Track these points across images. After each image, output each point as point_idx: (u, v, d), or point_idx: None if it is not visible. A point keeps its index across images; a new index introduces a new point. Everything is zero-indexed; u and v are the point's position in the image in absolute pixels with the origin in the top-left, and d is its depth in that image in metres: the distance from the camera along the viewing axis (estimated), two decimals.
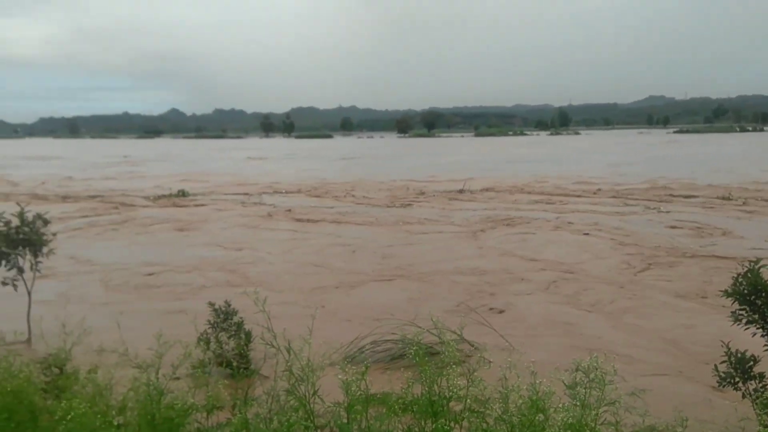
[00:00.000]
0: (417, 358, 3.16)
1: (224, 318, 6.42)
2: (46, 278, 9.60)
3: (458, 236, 15.20)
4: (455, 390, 3.10)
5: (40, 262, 8.36)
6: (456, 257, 12.55)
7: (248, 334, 6.20)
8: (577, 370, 2.96)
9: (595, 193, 24.19)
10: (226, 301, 6.53)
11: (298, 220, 18.41)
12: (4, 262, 8.09)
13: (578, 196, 23.27)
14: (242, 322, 6.39)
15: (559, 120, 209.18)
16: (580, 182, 28.54)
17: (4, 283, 8.22)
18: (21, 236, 7.95)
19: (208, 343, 5.97)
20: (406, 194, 25.30)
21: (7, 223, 8.02)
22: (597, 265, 11.56)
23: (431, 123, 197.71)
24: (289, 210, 20.69)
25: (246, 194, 26.11)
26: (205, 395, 3.42)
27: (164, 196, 25.54)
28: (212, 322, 6.42)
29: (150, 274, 11.52)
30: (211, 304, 6.53)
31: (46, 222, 8.27)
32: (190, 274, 11.61)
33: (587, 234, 14.94)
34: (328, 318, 8.45)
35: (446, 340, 3.36)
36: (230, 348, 6.21)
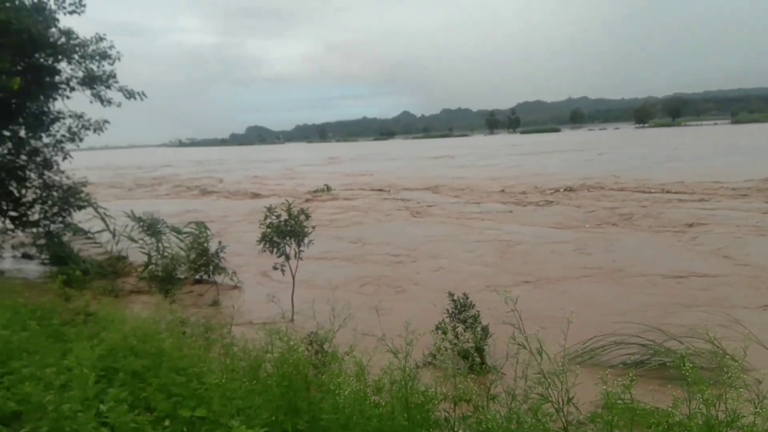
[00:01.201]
0: (688, 373, 2.73)
1: (461, 309, 6.54)
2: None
3: None
4: (736, 415, 2.61)
5: (302, 250, 9.63)
6: None
7: (485, 329, 6.21)
8: None
9: None
10: (464, 294, 6.64)
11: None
12: (275, 250, 9.55)
13: None
14: (479, 315, 6.43)
15: None
16: None
17: (275, 268, 9.69)
18: (288, 228, 9.26)
19: (445, 332, 6.15)
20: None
21: (278, 216, 9.43)
22: None
23: (676, 110, 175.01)
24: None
25: (403, 199, 26.52)
26: (451, 385, 3.48)
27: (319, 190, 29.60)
28: (450, 311, 6.59)
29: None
30: (451, 295, 6.71)
31: (307, 216, 9.47)
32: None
33: None
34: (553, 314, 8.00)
35: (722, 356, 2.85)
36: (465, 339, 6.28)
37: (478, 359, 6.00)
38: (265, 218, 9.30)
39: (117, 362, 4.19)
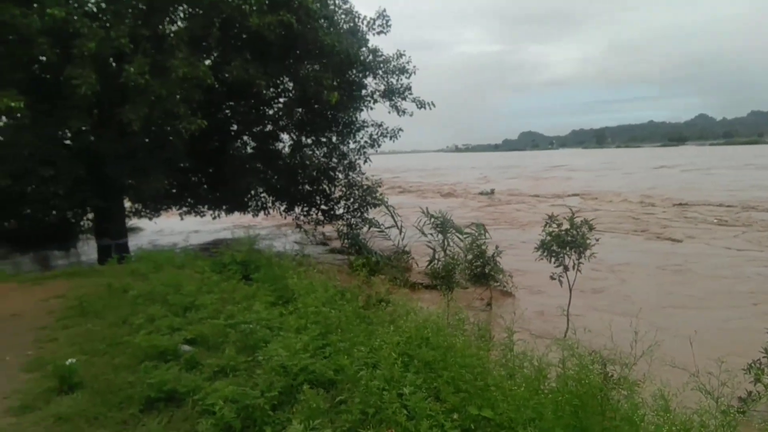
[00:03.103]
0: None
1: None
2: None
3: None
4: None
5: (581, 263, 9.15)
6: None
7: None
8: None
9: None
10: None
11: None
12: (553, 260, 9.28)
13: None
14: None
15: None
16: None
17: (552, 278, 9.42)
18: (570, 238, 8.89)
19: (759, 376, 5.15)
20: None
21: (559, 225, 9.13)
22: None
23: None
24: None
25: None
26: None
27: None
28: None
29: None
30: None
31: (591, 227, 8.96)
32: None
33: None
34: None
35: None
36: None
37: None
38: (546, 226, 9.10)
39: (412, 350, 4.56)
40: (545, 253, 9.17)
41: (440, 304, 7.35)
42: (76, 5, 11.45)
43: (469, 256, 11.26)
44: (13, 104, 9.42)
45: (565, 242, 8.91)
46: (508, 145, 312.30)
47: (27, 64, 11.18)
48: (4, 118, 11.51)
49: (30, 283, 9.41)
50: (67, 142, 12.94)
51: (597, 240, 8.96)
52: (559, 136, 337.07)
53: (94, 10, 12.11)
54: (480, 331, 5.93)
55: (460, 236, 12.42)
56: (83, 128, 11.80)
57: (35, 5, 10.24)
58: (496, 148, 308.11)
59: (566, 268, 9.09)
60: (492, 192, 38.78)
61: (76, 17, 10.19)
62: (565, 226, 8.94)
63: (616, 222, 21.98)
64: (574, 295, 9.09)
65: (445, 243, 12.38)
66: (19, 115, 9.83)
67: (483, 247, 11.02)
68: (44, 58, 10.72)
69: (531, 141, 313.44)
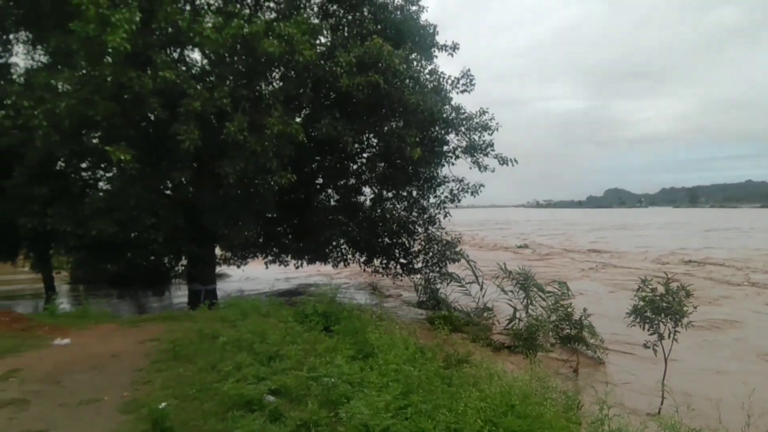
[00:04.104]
0: None
1: None
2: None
3: None
4: None
5: (678, 331, 8.54)
6: None
7: None
8: None
9: None
10: None
11: None
12: (647, 326, 8.72)
13: None
14: None
15: None
16: None
17: (646, 346, 8.84)
18: (665, 304, 8.35)
19: None
20: None
21: (653, 290, 8.62)
22: None
23: None
24: None
25: None
26: None
27: None
28: None
29: None
30: None
31: (688, 293, 8.40)
32: None
33: None
34: None
35: None
36: None
37: None
38: (638, 290, 8.63)
39: (497, 417, 4.39)
40: (638, 319, 8.66)
41: (524, 368, 7.07)
42: (184, 69, 12.61)
43: (553, 317, 10.81)
44: (123, 157, 10.34)
45: (660, 308, 8.39)
46: (592, 202, 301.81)
47: (138, 121, 12.30)
48: (114, 170, 12.64)
49: (129, 325, 10.02)
50: (168, 192, 13.95)
51: (695, 308, 8.37)
52: (648, 194, 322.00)
53: (200, 72, 13.29)
54: (568, 401, 5.63)
55: (543, 295, 11.96)
56: (183, 180, 12.70)
57: (149, 69, 11.37)
58: (579, 204, 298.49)
59: (661, 336, 8.52)
60: (525, 246, 40.06)
61: (183, 79, 11.19)
62: (661, 290, 8.45)
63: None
64: (674, 366, 8.47)
65: (527, 301, 11.95)
66: (128, 167, 10.74)
67: (569, 308, 10.54)
68: (153, 116, 11.73)
69: (618, 198, 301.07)
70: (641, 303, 8.53)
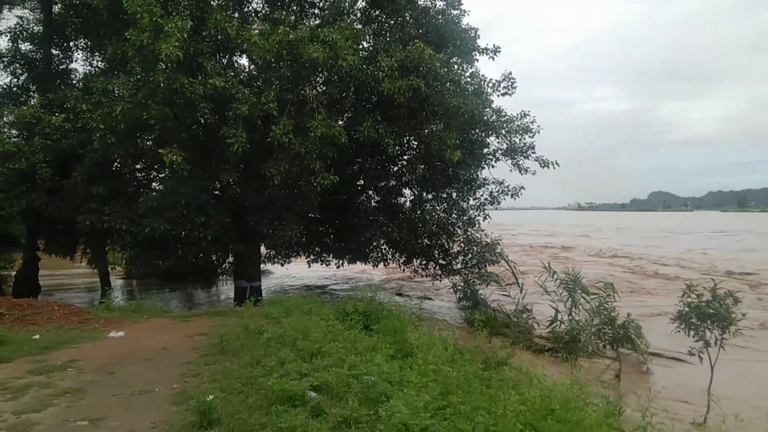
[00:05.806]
0: None
1: None
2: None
3: None
4: None
5: (725, 339, 8.34)
6: None
7: None
8: None
9: None
10: None
11: None
12: (692, 333, 8.54)
13: None
14: None
15: None
16: None
17: (691, 354, 8.65)
18: (711, 311, 8.17)
19: None
20: None
21: (699, 296, 8.44)
22: None
23: None
24: None
25: None
26: None
27: None
28: None
29: None
30: None
31: (736, 300, 8.19)
32: None
33: None
34: None
35: None
36: None
37: None
38: (684, 296, 8.47)
39: (537, 421, 4.44)
40: (683, 325, 8.50)
41: (565, 372, 7.06)
42: (232, 74, 13.07)
43: (595, 321, 10.66)
44: (174, 158, 10.83)
45: (707, 315, 8.21)
46: (636, 205, 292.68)
47: (189, 124, 12.82)
48: (166, 171, 13.21)
49: (179, 320, 10.47)
50: (217, 192, 14.46)
51: (744, 315, 8.16)
52: (695, 197, 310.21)
53: (248, 77, 13.71)
54: (609, 407, 5.62)
55: (587, 297, 11.75)
56: (231, 181, 13.15)
57: (200, 75, 11.84)
58: (622, 207, 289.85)
59: (707, 344, 8.33)
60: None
61: (232, 84, 11.62)
62: (707, 296, 8.27)
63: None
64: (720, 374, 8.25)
65: (572, 304, 11.74)
66: (179, 168, 11.22)
67: (613, 313, 10.37)
68: (203, 120, 12.22)
69: (662, 201, 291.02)
70: (686, 309, 8.36)
